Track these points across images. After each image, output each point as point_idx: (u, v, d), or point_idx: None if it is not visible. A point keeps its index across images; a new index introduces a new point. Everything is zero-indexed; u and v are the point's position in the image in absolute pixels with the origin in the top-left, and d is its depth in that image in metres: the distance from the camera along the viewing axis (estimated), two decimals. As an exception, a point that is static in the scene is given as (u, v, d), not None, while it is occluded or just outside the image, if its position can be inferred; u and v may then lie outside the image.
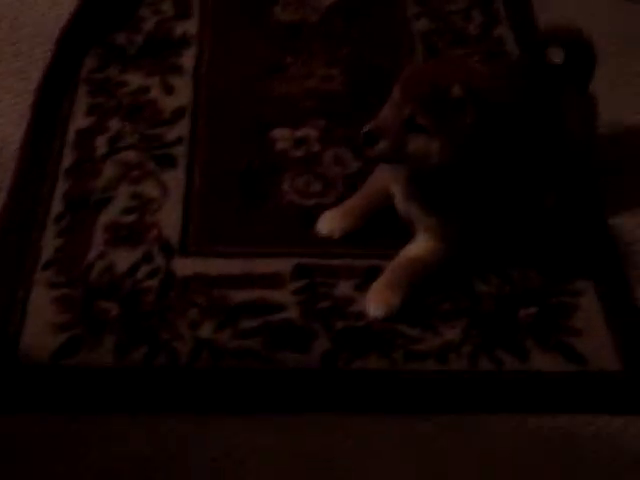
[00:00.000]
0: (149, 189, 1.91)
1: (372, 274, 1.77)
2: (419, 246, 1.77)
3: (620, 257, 1.86)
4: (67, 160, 1.97)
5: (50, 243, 1.80)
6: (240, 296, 1.73)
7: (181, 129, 2.05)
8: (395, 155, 1.66)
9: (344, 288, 1.76)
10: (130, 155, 1.98)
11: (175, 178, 1.94)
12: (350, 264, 1.80)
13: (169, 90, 2.14)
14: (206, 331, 1.67)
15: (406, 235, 1.80)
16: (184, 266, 1.78)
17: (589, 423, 1.59)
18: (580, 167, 1.93)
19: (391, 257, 1.78)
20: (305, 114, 2.11)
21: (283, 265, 1.79)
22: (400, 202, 1.79)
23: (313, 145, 2.04)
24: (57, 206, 1.88)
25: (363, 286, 1.75)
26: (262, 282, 1.76)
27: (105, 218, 1.85)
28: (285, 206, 1.91)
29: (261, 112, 2.11)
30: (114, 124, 2.05)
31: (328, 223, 1.83)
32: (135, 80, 2.16)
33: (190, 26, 2.33)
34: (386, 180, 1.82)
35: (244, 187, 1.94)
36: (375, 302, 1.71)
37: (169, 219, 1.86)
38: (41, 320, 1.68)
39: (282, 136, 2.06)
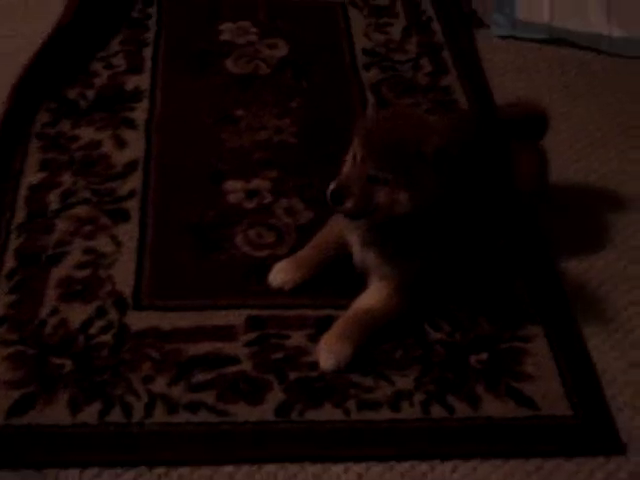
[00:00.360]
0: (102, 244, 1.92)
1: (324, 324, 1.78)
2: (372, 297, 1.79)
3: (568, 301, 1.90)
4: (19, 216, 1.98)
5: (2, 300, 1.80)
6: (193, 349, 1.74)
7: (134, 183, 2.07)
8: (363, 210, 1.68)
9: (297, 339, 1.77)
10: (83, 210, 1.99)
11: (128, 232, 1.95)
12: (302, 314, 1.81)
13: (121, 144, 2.16)
14: (160, 385, 1.67)
15: (358, 284, 1.82)
16: (138, 320, 1.78)
17: (539, 467, 1.61)
18: (530, 212, 1.98)
19: (343, 307, 1.80)
20: (257, 165, 2.14)
21: (236, 317, 1.80)
22: (356, 251, 1.81)
23: (265, 196, 2.06)
24: (9, 262, 1.88)
25: (316, 336, 1.77)
26: (215, 335, 1.77)
27: (58, 274, 1.85)
28: (238, 258, 1.92)
29: (213, 164, 2.13)
30: (66, 179, 2.06)
31: (280, 275, 1.85)
32: (87, 134, 2.18)
33: (142, 80, 2.35)
34: (339, 230, 1.84)
35: (197, 239, 1.95)
36: (325, 354, 1.72)
37: (123, 273, 1.87)
38: (-6, 378, 1.68)
39: (234, 188, 2.08)
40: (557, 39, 2.64)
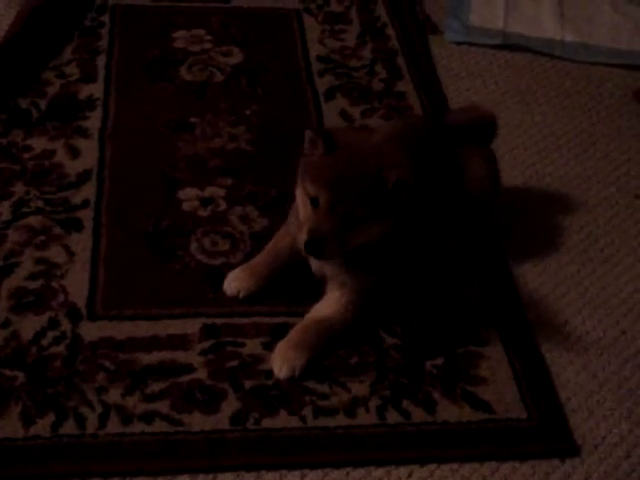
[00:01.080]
0: (55, 254, 1.90)
1: (280, 331, 1.78)
2: (329, 306, 1.79)
3: (523, 305, 1.91)
4: (-30, 228, 1.96)
5: (-47, 312, 1.78)
6: (148, 359, 1.73)
7: (87, 192, 2.05)
8: (341, 251, 1.67)
9: (252, 347, 1.77)
10: (35, 220, 1.97)
11: (82, 242, 1.94)
12: (258, 322, 1.81)
13: (75, 153, 2.14)
14: (114, 396, 1.66)
15: (314, 292, 1.82)
16: (91, 330, 1.77)
17: (495, 470, 1.62)
18: (483, 215, 1.99)
19: (298, 314, 1.80)
20: (211, 173, 2.13)
21: (191, 326, 1.79)
22: (314, 262, 1.80)
23: (220, 204, 2.05)
24: (-40, 274, 1.86)
25: (271, 344, 1.76)
26: (170, 344, 1.76)
27: (9, 284, 1.83)
28: (193, 266, 1.91)
29: (168, 172, 2.12)
30: (18, 189, 2.03)
31: (234, 283, 1.84)
32: (40, 144, 2.15)
33: (95, 88, 2.33)
34: (292, 238, 1.83)
35: (151, 248, 1.94)
36: (279, 362, 1.72)
37: (76, 284, 1.85)
38: (-56, 392, 1.65)
39: (189, 196, 2.07)
40: (511, 45, 2.66)
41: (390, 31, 2.66)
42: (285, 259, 1.86)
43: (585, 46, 2.67)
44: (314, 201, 1.65)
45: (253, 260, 1.88)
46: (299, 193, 1.71)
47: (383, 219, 1.66)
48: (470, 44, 2.65)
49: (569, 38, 2.68)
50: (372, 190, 1.63)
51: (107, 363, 1.71)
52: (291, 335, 1.75)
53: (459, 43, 2.66)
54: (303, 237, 1.65)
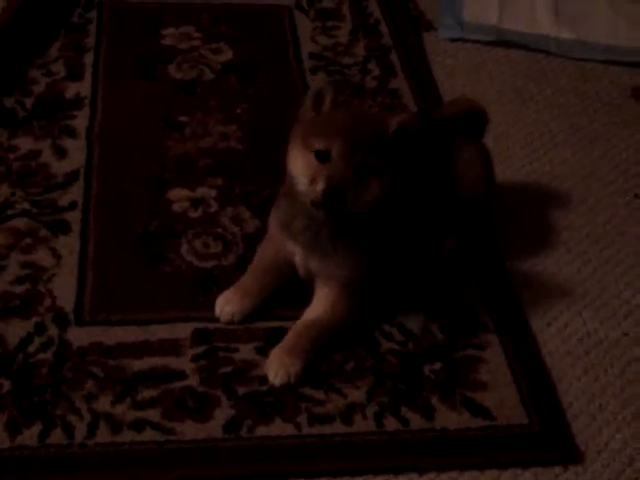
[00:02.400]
0: (41, 257, 1.85)
1: (274, 336, 1.74)
2: (319, 305, 1.74)
3: (522, 307, 1.86)
4: (-46, 230, 1.90)
5: (-64, 317, 1.73)
6: (138, 365, 1.68)
7: (75, 193, 2.00)
8: (355, 206, 1.61)
9: (245, 352, 1.72)
10: (21, 222, 1.92)
11: (69, 245, 1.88)
12: (251, 327, 1.76)
13: (61, 153, 2.09)
14: (103, 404, 1.61)
15: (307, 294, 1.77)
16: (79, 336, 1.72)
17: (496, 478, 1.58)
18: (477, 212, 1.94)
19: (292, 318, 1.75)
20: (202, 173, 2.08)
21: (182, 330, 1.74)
22: (299, 260, 1.75)
23: (211, 205, 2.01)
24: (-56, 278, 1.81)
25: (265, 349, 1.72)
26: (161, 349, 1.71)
27: (-5, 289, 1.79)
28: (184, 269, 1.86)
29: (157, 173, 2.07)
30: (4, 190, 1.98)
31: (227, 307, 1.77)
32: (25, 144, 2.10)
33: (82, 87, 2.28)
34: (274, 251, 1.78)
35: (141, 251, 1.89)
36: (274, 369, 1.67)
37: (63, 288, 1.80)
38: None
39: (179, 197, 2.02)
40: (506, 41, 2.62)
41: (383, 28, 2.62)
42: (274, 274, 1.79)
43: (581, 43, 2.63)
44: (322, 155, 1.60)
45: (243, 280, 1.81)
46: (296, 154, 1.64)
47: (385, 171, 1.63)
48: (464, 40, 2.61)
49: (565, 35, 2.63)
50: (378, 140, 1.62)
51: (96, 370, 1.66)
52: (285, 340, 1.70)
53: (453, 40, 2.62)
54: (320, 188, 1.58)
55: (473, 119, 1.95)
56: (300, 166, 1.64)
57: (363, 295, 1.77)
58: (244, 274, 1.81)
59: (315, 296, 1.76)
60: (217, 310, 1.77)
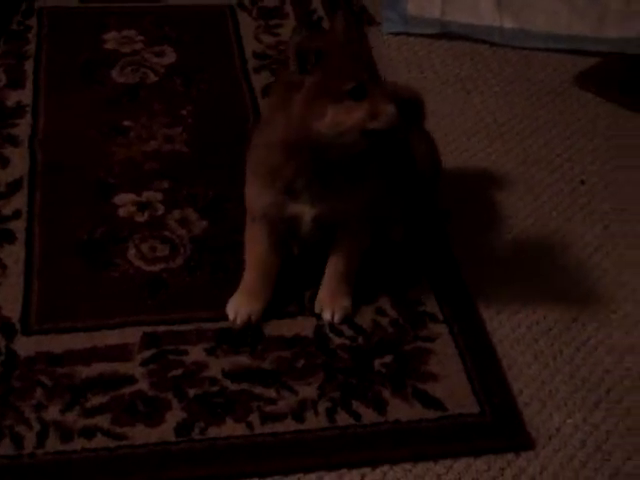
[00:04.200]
0: (-14, 267, 1.84)
1: (224, 336, 1.73)
2: (346, 242, 1.78)
3: (471, 296, 1.87)
4: None
5: None
6: (87, 371, 1.66)
7: (18, 202, 1.98)
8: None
9: (195, 354, 1.71)
10: (-36, 233, 1.90)
11: (14, 254, 1.87)
12: (200, 328, 1.75)
13: (4, 162, 2.07)
14: (52, 412, 1.60)
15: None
16: (27, 345, 1.70)
17: (449, 468, 1.58)
18: (427, 200, 1.95)
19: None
20: (148, 177, 2.07)
21: (130, 335, 1.73)
22: (311, 216, 1.70)
23: (157, 208, 2.00)
24: None
25: (215, 349, 1.71)
26: (109, 355, 1.70)
27: (-62, 301, 1.76)
28: (131, 274, 1.85)
29: (102, 178, 2.06)
30: (-54, 201, 1.97)
31: (242, 309, 1.76)
32: (-33, 154, 2.08)
33: (24, 94, 2.26)
34: (267, 234, 1.75)
35: (87, 258, 1.88)
36: (329, 309, 1.78)
37: (9, 297, 1.78)
38: None
39: (125, 201, 2.01)
40: (449, 33, 2.63)
41: (326, 24, 2.61)
42: (272, 257, 1.78)
43: (524, 32, 2.65)
44: (358, 91, 1.55)
45: (245, 279, 1.80)
46: (323, 110, 1.55)
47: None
48: (408, 34, 2.62)
49: (508, 24, 2.65)
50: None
51: (44, 379, 1.64)
52: (326, 285, 1.81)
53: (397, 34, 2.62)
54: (389, 110, 1.55)
55: (413, 106, 1.94)
56: (339, 116, 1.56)
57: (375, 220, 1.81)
58: (244, 272, 1.80)
59: (338, 238, 1.78)
60: (231, 315, 1.77)
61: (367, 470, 1.57)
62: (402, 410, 1.65)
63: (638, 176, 2.21)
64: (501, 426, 1.65)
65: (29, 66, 2.35)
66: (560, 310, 1.87)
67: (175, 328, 1.75)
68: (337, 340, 1.76)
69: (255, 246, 1.78)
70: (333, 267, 1.79)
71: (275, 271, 1.80)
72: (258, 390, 1.66)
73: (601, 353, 1.79)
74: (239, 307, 1.77)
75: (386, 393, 1.67)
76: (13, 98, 2.25)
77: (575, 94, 2.46)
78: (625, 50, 2.61)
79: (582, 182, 2.18)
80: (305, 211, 1.70)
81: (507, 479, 1.57)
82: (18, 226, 1.92)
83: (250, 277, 1.80)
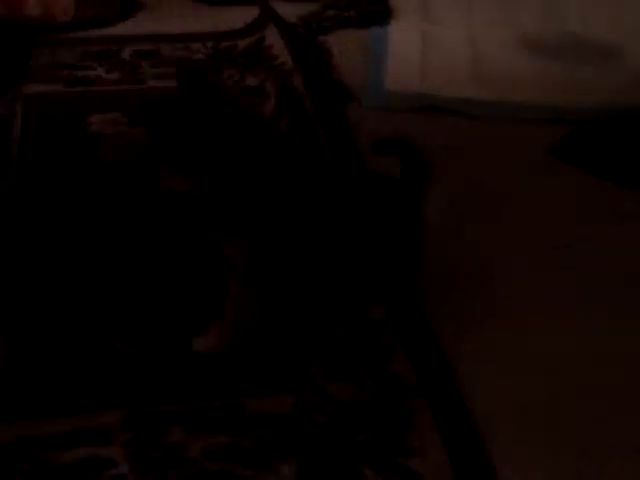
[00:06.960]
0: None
1: (200, 415, 1.73)
2: None
3: (449, 366, 1.87)
4: None
5: None
6: (67, 457, 1.66)
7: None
8: None
9: (175, 434, 1.71)
10: None
11: None
12: (179, 408, 1.76)
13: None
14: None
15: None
16: (5, 432, 1.70)
17: None
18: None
19: (223, 396, 1.77)
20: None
21: (111, 417, 1.74)
22: None
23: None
24: None
25: (195, 429, 1.71)
26: (90, 438, 1.70)
27: None
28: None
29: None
30: None
31: None
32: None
33: (8, 180, 2.30)
34: None
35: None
36: None
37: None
38: None
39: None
40: (428, 106, 2.67)
41: (307, 102, 2.66)
42: None
43: (502, 104, 2.69)
44: None
45: None
46: None
47: None
48: (387, 109, 2.66)
49: (485, 97, 2.70)
50: None
51: (24, 465, 1.64)
52: None
53: (377, 108, 2.67)
54: None
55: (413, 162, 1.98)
56: None
57: None
58: None
59: None
60: None
61: None
62: (383, 487, 1.65)
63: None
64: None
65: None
66: (542, 380, 1.86)
67: (154, 409, 1.75)
68: (317, 416, 1.76)
69: None
70: None
71: None
72: (239, 471, 1.65)
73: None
74: None
75: (367, 470, 1.66)
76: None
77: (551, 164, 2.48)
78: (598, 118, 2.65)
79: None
80: None
81: None
82: None
83: None
